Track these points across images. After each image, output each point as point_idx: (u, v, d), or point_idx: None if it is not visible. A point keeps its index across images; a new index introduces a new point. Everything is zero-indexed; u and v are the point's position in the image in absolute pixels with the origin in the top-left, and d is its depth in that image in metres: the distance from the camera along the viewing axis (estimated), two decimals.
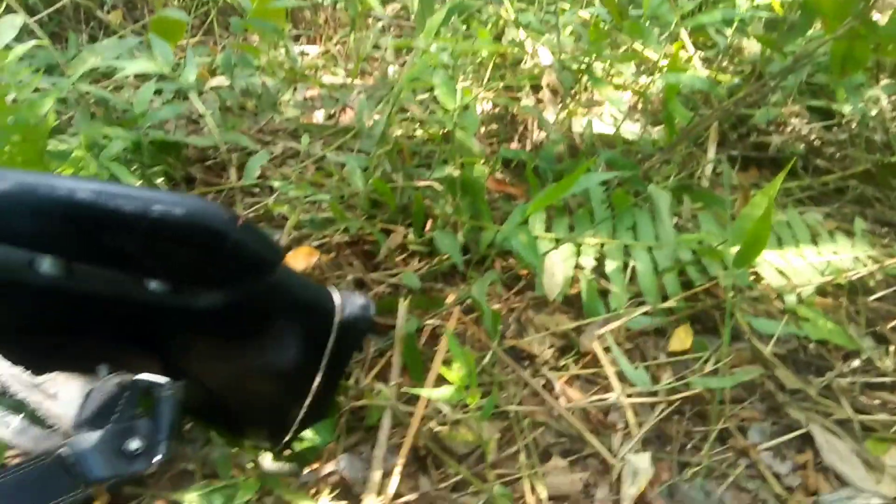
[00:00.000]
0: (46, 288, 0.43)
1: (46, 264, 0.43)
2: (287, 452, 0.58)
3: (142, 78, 1.16)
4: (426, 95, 1.10)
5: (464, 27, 1.15)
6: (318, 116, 1.15)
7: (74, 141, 0.75)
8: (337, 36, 1.46)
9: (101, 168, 0.69)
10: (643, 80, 1.17)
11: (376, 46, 1.40)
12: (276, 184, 0.81)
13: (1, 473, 0.44)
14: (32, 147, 0.59)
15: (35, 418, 0.41)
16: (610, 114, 1.12)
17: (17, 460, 0.50)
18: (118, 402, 0.42)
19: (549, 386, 0.66)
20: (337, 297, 0.56)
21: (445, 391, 0.53)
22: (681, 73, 0.91)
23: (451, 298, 0.75)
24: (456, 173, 0.78)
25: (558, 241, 0.77)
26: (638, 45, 1.10)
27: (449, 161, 0.81)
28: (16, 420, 0.41)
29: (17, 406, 0.40)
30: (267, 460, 0.57)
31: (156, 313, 0.47)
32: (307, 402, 0.56)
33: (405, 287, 0.76)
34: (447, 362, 0.63)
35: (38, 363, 0.42)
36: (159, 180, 0.88)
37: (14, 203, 0.40)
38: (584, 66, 1.05)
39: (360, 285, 0.76)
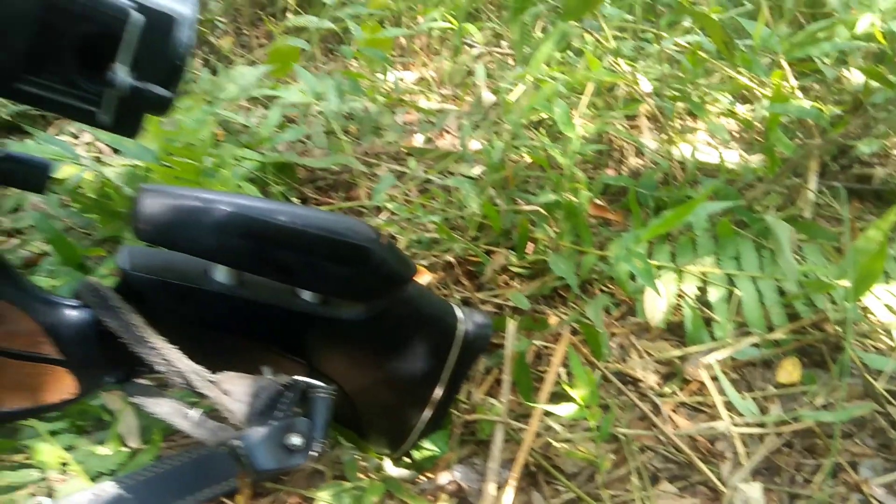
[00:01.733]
0: (219, 295, 0.48)
1: (220, 274, 0.48)
2: (406, 460, 0.61)
3: (254, 100, 1.25)
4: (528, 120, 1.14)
5: (558, 54, 1.18)
6: (418, 140, 1.20)
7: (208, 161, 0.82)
8: (432, 62, 1.52)
9: (234, 187, 0.75)
10: (739, 107, 1.17)
11: (470, 72, 1.45)
12: (388, 205, 0.86)
13: (179, 456, 0.50)
14: (192, 167, 0.66)
15: (212, 412, 0.46)
16: (706, 141, 1.12)
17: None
18: (281, 401, 0.46)
19: (656, 411, 0.68)
20: (459, 313, 0.59)
21: (568, 409, 0.55)
22: (784, 102, 0.91)
23: (553, 320, 0.77)
24: (559, 199, 0.81)
25: (660, 268, 0.79)
26: (734, 72, 1.11)
27: (552, 186, 0.83)
28: (194, 413, 0.46)
29: (198, 400, 0.45)
30: (389, 466, 0.60)
31: (305, 322, 0.52)
32: (426, 412, 0.60)
33: (509, 307, 0.78)
34: (558, 382, 0.65)
35: (213, 362, 0.47)
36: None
37: (200, 219, 0.45)
38: (681, 94, 1.07)
39: (466, 304, 0.80)
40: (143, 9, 0.33)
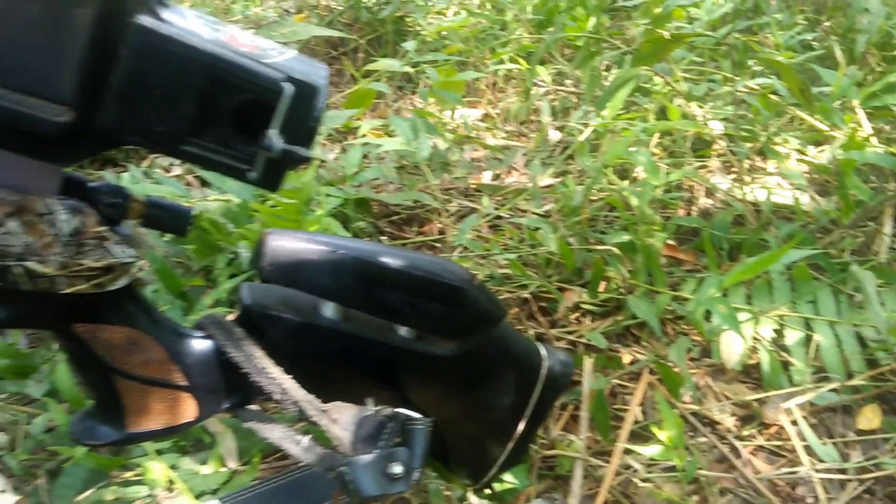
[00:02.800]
0: (327, 329, 0.52)
1: (329, 310, 0.52)
2: (488, 491, 0.63)
3: (328, 137, 1.31)
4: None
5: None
6: (486, 176, 1.24)
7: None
8: (497, 100, 1.57)
9: (324, 225, 0.80)
10: (810, 149, 1.17)
11: (535, 110, 1.49)
12: (462, 241, 0.89)
13: (276, 477, 0.53)
14: (294, 206, 0.71)
15: (321, 438, 0.49)
16: (777, 183, 1.12)
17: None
18: (384, 430, 0.49)
19: (735, 454, 0.68)
20: (543, 352, 0.61)
21: (653, 449, 0.56)
22: (860, 149, 0.91)
23: (627, 359, 0.78)
24: (634, 239, 0.83)
25: (737, 311, 0.79)
26: (806, 115, 1.11)
27: (626, 227, 0.85)
28: (305, 439, 0.49)
29: (310, 427, 0.49)
30: (472, 497, 0.62)
31: (401, 356, 0.55)
32: (509, 446, 0.62)
33: (582, 343, 0.80)
34: (636, 421, 0.67)
35: (319, 391, 0.50)
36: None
37: (318, 261, 0.49)
38: (751, 136, 1.07)
39: (540, 340, 0.82)
40: (292, 80, 0.38)
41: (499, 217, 1.05)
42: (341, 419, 0.49)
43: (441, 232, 1.05)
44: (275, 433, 0.50)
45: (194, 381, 0.49)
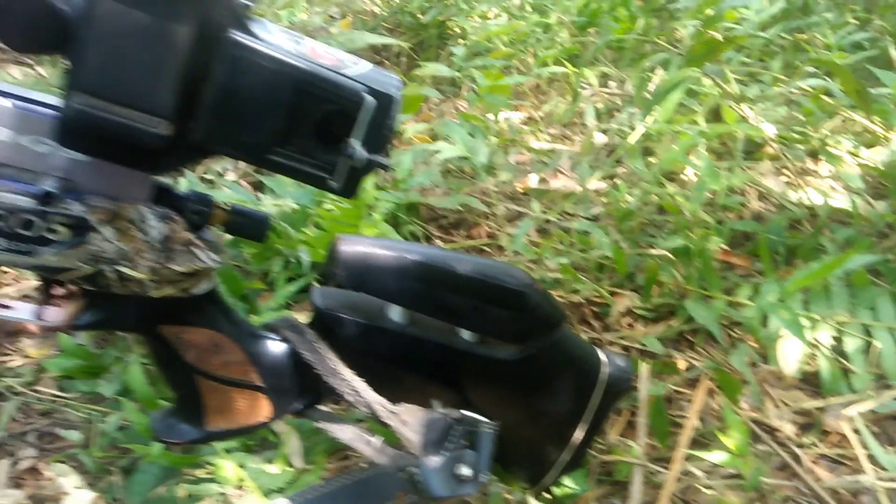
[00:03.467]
0: (394, 332, 0.53)
1: (395, 313, 0.54)
2: (547, 496, 0.64)
3: None
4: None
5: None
6: (533, 180, 1.24)
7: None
8: (540, 103, 1.57)
9: (380, 228, 0.81)
10: (863, 152, 1.15)
11: (579, 113, 1.49)
12: (518, 246, 0.89)
13: (342, 477, 0.55)
14: (355, 211, 0.73)
15: (392, 440, 0.51)
16: (830, 186, 1.10)
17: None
18: (451, 433, 0.50)
19: (796, 461, 0.67)
20: (603, 357, 0.62)
21: (718, 456, 0.56)
22: None
23: (682, 364, 0.78)
24: (688, 244, 0.82)
25: (794, 316, 0.78)
26: (860, 117, 1.09)
27: (680, 231, 0.85)
28: (376, 440, 0.50)
29: (381, 428, 0.50)
30: (532, 501, 0.63)
31: (464, 359, 0.56)
32: (568, 450, 0.62)
33: (635, 349, 0.80)
34: (692, 426, 0.66)
35: (386, 393, 0.51)
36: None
37: (388, 266, 0.50)
38: (803, 138, 1.06)
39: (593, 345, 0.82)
40: (372, 91, 0.39)
41: (547, 221, 1.05)
42: (410, 421, 0.50)
43: (490, 236, 1.06)
44: (346, 433, 0.51)
45: (270, 381, 0.51)
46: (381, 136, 0.41)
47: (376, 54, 1.80)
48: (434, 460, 0.48)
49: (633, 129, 1.25)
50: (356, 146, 0.38)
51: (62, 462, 0.71)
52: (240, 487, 0.62)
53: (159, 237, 0.43)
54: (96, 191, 0.41)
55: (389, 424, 0.49)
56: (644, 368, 0.71)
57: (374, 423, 0.52)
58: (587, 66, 1.44)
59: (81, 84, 0.34)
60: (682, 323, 0.82)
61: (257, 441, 0.68)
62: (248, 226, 0.46)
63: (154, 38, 0.34)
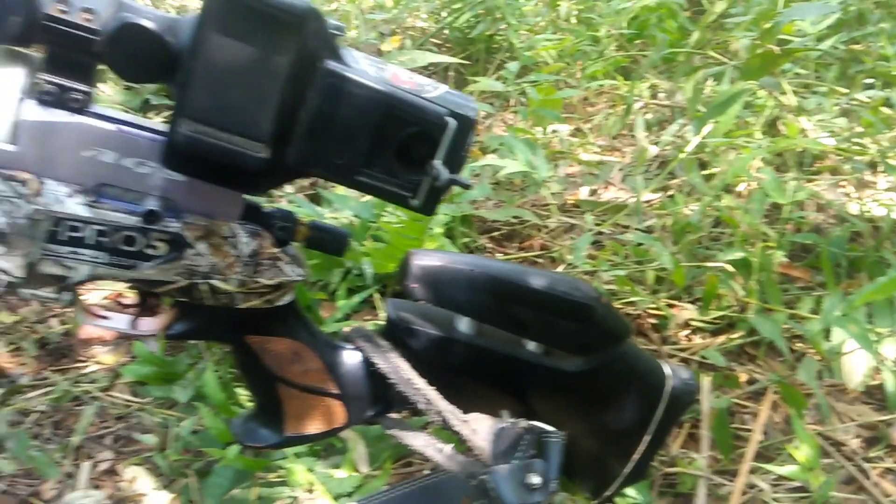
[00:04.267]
0: (462, 342, 0.55)
1: (464, 324, 0.55)
2: None
3: None
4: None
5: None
6: (583, 192, 1.25)
7: None
8: (590, 116, 1.57)
9: (440, 242, 0.83)
10: None
11: (628, 125, 1.48)
12: (578, 259, 0.90)
13: (409, 482, 0.56)
14: (419, 226, 0.75)
15: (462, 447, 0.52)
16: (889, 198, 1.08)
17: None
18: (521, 442, 0.51)
19: (863, 475, 0.66)
20: (667, 370, 0.62)
21: (788, 469, 0.56)
22: None
23: (743, 377, 0.78)
24: (748, 256, 0.82)
25: (863, 330, 0.77)
26: None
27: (739, 243, 0.85)
28: (447, 447, 0.52)
29: (452, 436, 0.51)
30: None
31: (529, 370, 0.57)
32: (631, 462, 0.63)
33: (695, 361, 0.80)
34: (749, 438, 0.66)
35: (454, 401, 0.53)
36: None
37: (459, 279, 0.52)
38: (861, 149, 1.04)
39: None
40: (453, 114, 0.41)
41: (600, 233, 1.05)
42: (480, 430, 0.51)
43: (543, 248, 1.07)
44: (418, 441, 0.53)
45: (345, 389, 0.53)
46: (460, 155, 0.42)
47: (424, 69, 1.83)
48: (505, 469, 0.50)
49: (684, 140, 1.25)
50: (439, 166, 0.40)
51: (138, 465, 0.75)
52: (310, 491, 0.64)
53: (248, 252, 0.45)
54: (192, 209, 0.43)
55: (460, 433, 0.50)
56: (705, 381, 0.71)
57: (440, 431, 0.54)
58: (636, 78, 1.44)
59: (190, 112, 0.37)
60: (743, 336, 0.82)
61: (324, 446, 0.70)
62: (328, 241, 0.49)
63: (256, 68, 0.36)
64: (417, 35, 1.83)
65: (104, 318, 0.47)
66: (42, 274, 0.41)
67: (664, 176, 1.14)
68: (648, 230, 1.06)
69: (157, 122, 0.43)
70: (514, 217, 1.10)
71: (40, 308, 1.02)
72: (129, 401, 0.83)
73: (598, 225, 1.06)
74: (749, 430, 0.74)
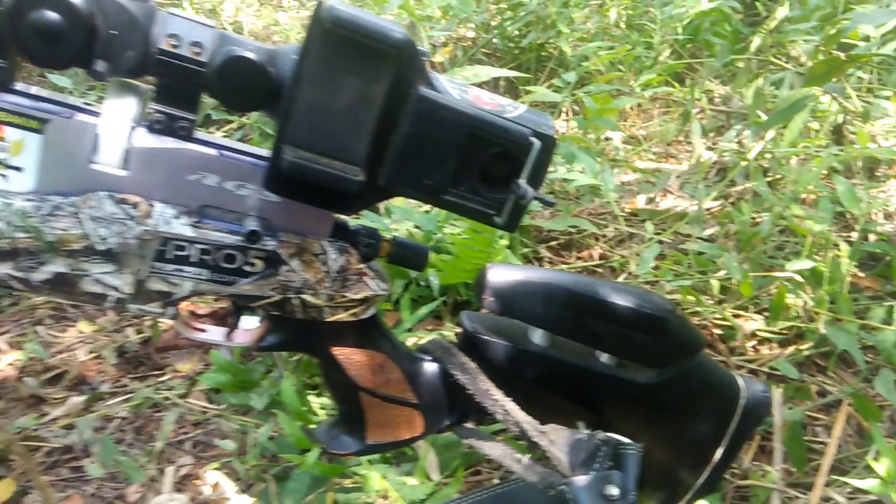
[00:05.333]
0: (536, 354, 0.56)
1: (538, 336, 0.56)
2: None
3: None
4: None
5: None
6: (641, 200, 1.24)
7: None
8: (643, 123, 1.57)
9: (504, 253, 0.84)
10: None
11: (683, 131, 1.47)
12: (646, 270, 0.90)
13: (481, 490, 0.57)
14: (486, 239, 0.76)
15: (540, 458, 0.53)
16: None
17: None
18: (598, 453, 0.52)
19: None
20: (741, 382, 0.62)
21: (869, 483, 0.55)
22: None
23: (814, 389, 0.76)
24: (817, 266, 0.81)
25: None
26: None
27: (807, 252, 0.83)
28: (525, 457, 0.53)
29: (530, 447, 0.53)
30: None
31: (602, 381, 0.58)
32: (704, 474, 0.63)
33: (763, 372, 0.79)
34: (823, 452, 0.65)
35: (532, 413, 0.54)
36: None
37: (535, 292, 0.53)
38: None
39: None
40: (537, 134, 0.42)
41: (660, 242, 1.05)
42: (557, 441, 0.52)
43: (602, 257, 1.07)
44: (495, 450, 0.54)
45: (424, 399, 0.55)
46: (542, 173, 0.44)
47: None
48: (583, 479, 0.50)
49: (743, 147, 1.24)
50: (525, 185, 0.42)
51: (217, 469, 0.78)
52: (384, 497, 0.66)
53: (337, 268, 0.47)
54: (286, 228, 0.46)
55: (538, 443, 0.51)
56: (777, 393, 0.71)
57: (510, 440, 0.55)
58: (692, 83, 1.42)
59: (292, 138, 0.39)
60: (811, 347, 0.81)
61: (395, 454, 0.72)
62: (410, 256, 0.50)
63: (355, 96, 0.38)
64: (468, 46, 1.85)
65: (202, 330, 0.50)
66: (149, 290, 0.44)
67: (724, 184, 1.12)
68: (710, 239, 1.05)
69: (239, 143, 0.46)
70: (572, 227, 1.11)
71: (116, 318, 1.07)
72: (205, 407, 0.87)
73: (658, 234, 1.06)
74: (820, 443, 0.73)
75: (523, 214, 0.45)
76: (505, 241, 0.82)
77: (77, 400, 0.89)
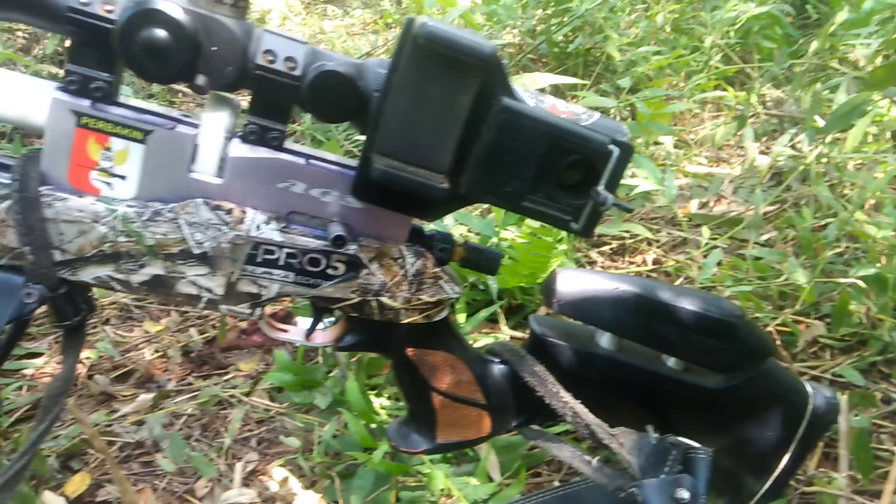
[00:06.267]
0: (604, 357, 0.57)
1: (605, 340, 0.57)
2: None
3: None
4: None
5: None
6: (694, 205, 1.24)
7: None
8: (693, 127, 1.55)
9: (561, 259, 0.85)
10: None
11: (733, 135, 1.46)
12: (703, 275, 0.90)
13: (545, 492, 0.58)
14: (546, 243, 0.78)
15: (610, 460, 0.54)
16: None
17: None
18: (668, 457, 0.52)
19: None
20: (809, 388, 0.62)
21: None
22: None
23: (880, 395, 0.75)
24: (881, 272, 0.80)
25: None
26: None
27: (871, 259, 0.82)
28: (595, 459, 0.54)
29: (598, 449, 0.53)
30: None
31: (669, 385, 0.58)
32: (769, 481, 0.62)
33: (826, 378, 0.78)
34: None
35: (598, 416, 0.55)
36: None
37: (604, 296, 0.54)
38: None
39: None
40: (615, 142, 0.43)
41: (714, 247, 1.04)
42: (627, 444, 0.53)
43: (656, 262, 1.07)
44: (563, 452, 0.55)
45: (492, 400, 0.56)
46: (617, 180, 0.45)
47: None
48: (654, 483, 0.51)
49: (798, 151, 1.22)
50: (604, 192, 0.43)
51: (282, 466, 0.80)
52: (448, 496, 0.67)
53: (414, 272, 0.49)
54: (366, 233, 0.48)
55: (609, 446, 0.52)
56: (843, 400, 0.70)
57: (572, 442, 0.56)
58: (747, 88, 1.41)
59: (381, 147, 0.41)
60: (875, 353, 0.79)
61: (456, 454, 0.74)
62: (483, 261, 0.52)
63: (441, 107, 0.40)
64: (515, 52, 1.86)
65: (284, 331, 0.52)
66: (240, 292, 0.46)
67: (783, 189, 1.11)
68: (767, 244, 1.04)
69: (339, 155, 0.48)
70: (625, 231, 1.11)
71: (179, 318, 1.11)
72: (268, 405, 0.90)
73: (714, 239, 1.05)
74: (885, 450, 0.72)
75: (598, 220, 0.45)
76: (563, 246, 0.83)
77: (146, 397, 0.92)
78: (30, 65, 1.22)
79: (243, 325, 1.04)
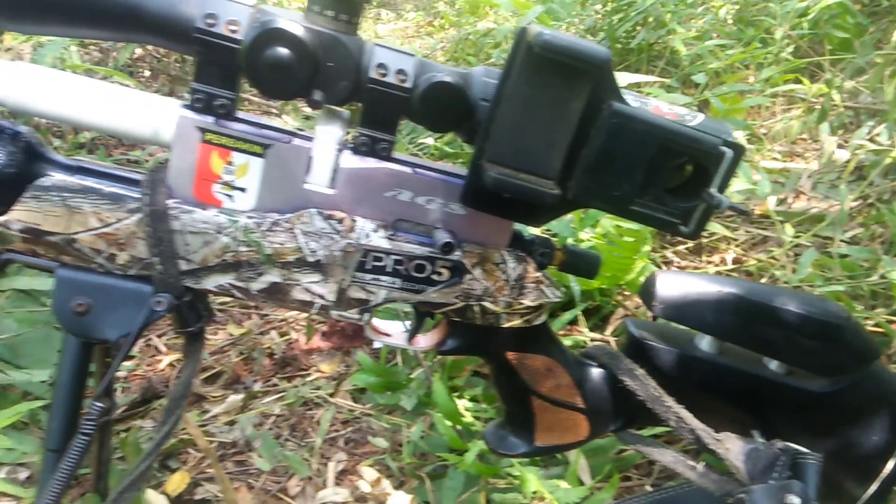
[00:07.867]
0: (704, 360, 0.56)
1: (705, 343, 0.57)
2: None
3: None
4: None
5: None
6: (771, 202, 1.20)
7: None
8: (764, 120, 1.51)
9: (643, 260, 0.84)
10: None
11: (810, 129, 1.41)
12: (798, 275, 0.87)
13: (639, 497, 0.58)
14: (633, 245, 0.77)
15: (716, 465, 0.53)
16: None
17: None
18: (777, 462, 0.52)
19: None
20: None
21: None
22: None
23: None
24: None
25: None
26: None
27: None
28: (700, 465, 0.53)
29: (701, 452, 0.53)
30: None
31: (771, 388, 0.57)
32: (873, 486, 0.60)
33: None
34: None
35: (702, 420, 0.54)
36: None
37: (705, 299, 0.54)
38: None
39: None
40: (727, 143, 0.43)
41: (797, 245, 1.02)
42: (733, 449, 0.52)
43: (736, 261, 1.04)
44: (665, 457, 0.54)
45: (590, 404, 0.56)
46: (727, 182, 0.44)
47: None
48: (762, 489, 0.50)
49: (878, 144, 1.17)
50: (718, 194, 0.42)
51: (370, 466, 0.82)
52: (540, 499, 0.68)
53: (515, 276, 0.50)
54: (469, 239, 0.49)
55: (715, 451, 0.52)
56: None
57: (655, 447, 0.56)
58: (826, 81, 1.36)
59: (492, 155, 0.41)
60: None
61: (542, 458, 0.74)
62: (582, 265, 0.52)
63: (553, 114, 0.41)
64: None
65: (387, 335, 0.53)
66: (350, 298, 0.48)
67: (866, 184, 1.07)
68: (853, 241, 1.00)
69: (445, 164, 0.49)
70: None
71: (261, 321, 1.15)
72: (352, 406, 0.92)
73: (797, 237, 1.02)
74: None
75: (707, 222, 0.45)
76: (648, 247, 0.82)
77: (235, 398, 0.96)
78: (115, 74, 1.28)
79: (323, 327, 1.07)
